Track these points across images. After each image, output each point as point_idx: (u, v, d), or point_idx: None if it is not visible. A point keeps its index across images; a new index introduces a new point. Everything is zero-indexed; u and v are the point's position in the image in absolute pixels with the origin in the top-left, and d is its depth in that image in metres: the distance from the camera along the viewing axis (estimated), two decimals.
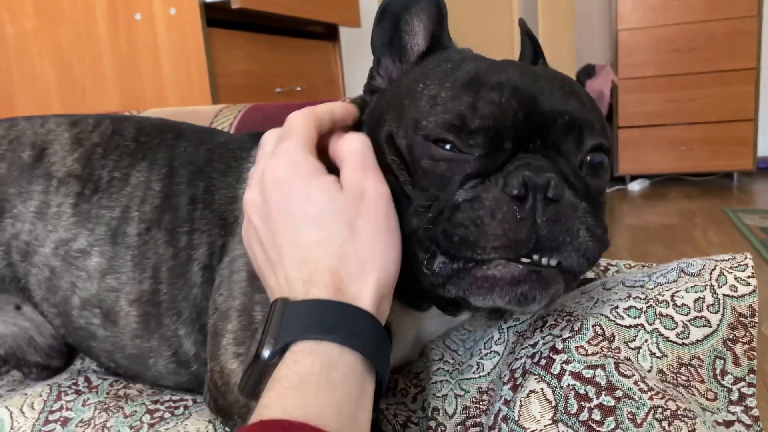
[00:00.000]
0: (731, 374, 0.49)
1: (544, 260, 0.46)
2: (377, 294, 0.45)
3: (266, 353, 0.42)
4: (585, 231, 0.47)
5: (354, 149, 0.50)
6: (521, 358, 0.53)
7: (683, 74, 4.05)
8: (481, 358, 0.59)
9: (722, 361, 0.50)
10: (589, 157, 0.51)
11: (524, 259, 0.46)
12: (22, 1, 1.72)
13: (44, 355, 0.75)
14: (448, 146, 0.48)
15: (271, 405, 0.39)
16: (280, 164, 0.48)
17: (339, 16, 2.15)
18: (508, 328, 0.61)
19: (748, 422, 0.48)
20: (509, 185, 0.45)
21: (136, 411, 0.64)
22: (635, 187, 4.19)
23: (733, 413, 0.48)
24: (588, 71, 4.37)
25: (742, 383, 0.49)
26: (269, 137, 0.54)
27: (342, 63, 2.33)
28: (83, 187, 0.71)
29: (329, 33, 2.29)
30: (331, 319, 0.43)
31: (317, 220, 0.46)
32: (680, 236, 3.03)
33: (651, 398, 0.45)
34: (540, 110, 0.49)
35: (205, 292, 0.65)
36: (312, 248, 0.46)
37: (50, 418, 0.63)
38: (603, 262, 0.80)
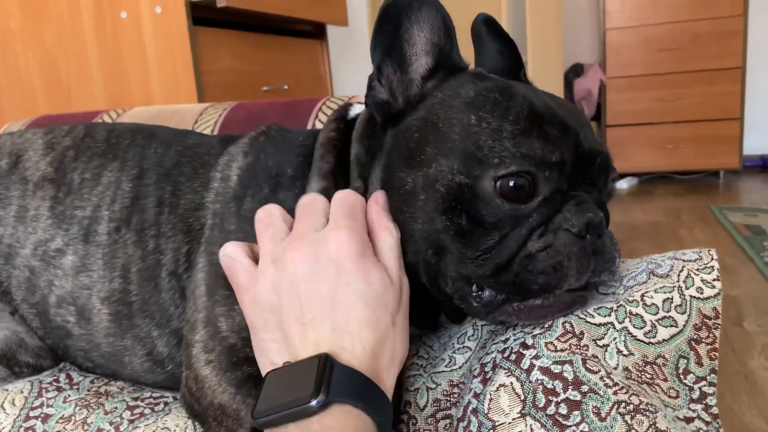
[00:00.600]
0: (693, 373, 0.51)
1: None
2: (394, 381, 0.51)
3: (315, 402, 0.43)
4: (618, 259, 0.54)
5: (392, 244, 0.53)
6: (492, 352, 0.54)
7: (670, 73, 4.09)
8: (454, 353, 0.61)
9: (685, 361, 0.51)
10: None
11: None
12: (6, 0, 1.71)
13: (35, 355, 0.76)
14: (515, 185, 0.50)
15: None
16: (351, 237, 0.50)
17: (326, 14, 2.16)
18: (482, 325, 0.62)
19: (708, 419, 0.49)
20: (576, 225, 0.50)
21: (116, 407, 0.65)
22: (623, 185, 4.22)
23: (694, 410, 0.49)
24: (577, 70, 4.40)
25: (704, 382, 0.50)
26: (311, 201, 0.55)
27: (329, 61, 2.33)
28: (57, 190, 0.73)
29: (317, 31, 2.29)
30: (371, 396, 0.47)
31: (371, 303, 0.49)
32: (667, 234, 3.06)
33: (615, 393, 0.47)
34: (583, 148, 0.52)
35: (173, 298, 0.66)
36: (361, 324, 0.48)
37: (31, 414, 0.64)
38: None
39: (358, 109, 0.68)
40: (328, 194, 0.57)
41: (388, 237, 0.53)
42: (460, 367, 0.59)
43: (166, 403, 0.67)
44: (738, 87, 3.99)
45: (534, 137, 0.50)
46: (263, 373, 0.51)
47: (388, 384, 0.49)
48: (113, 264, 0.68)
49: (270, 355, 0.50)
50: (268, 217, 0.55)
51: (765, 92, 4.33)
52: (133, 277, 0.68)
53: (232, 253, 0.54)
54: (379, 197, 0.55)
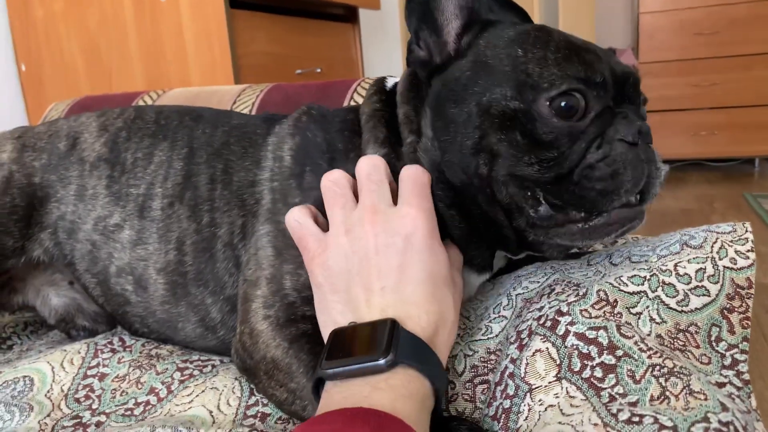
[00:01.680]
0: (725, 341, 0.52)
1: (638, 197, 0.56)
2: (447, 358, 0.54)
3: (383, 361, 0.46)
4: (663, 171, 0.57)
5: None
6: (528, 320, 0.56)
7: (706, 58, 4.01)
8: (490, 322, 0.63)
9: (718, 329, 0.52)
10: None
11: (631, 199, 0.55)
12: None
13: (91, 320, 0.83)
14: (566, 105, 0.54)
15: (384, 402, 0.45)
16: (425, 217, 0.54)
17: None
18: (516, 295, 0.64)
19: (739, 385, 0.50)
20: (628, 135, 0.54)
21: (167, 368, 0.68)
22: None
23: (725, 376, 0.51)
24: None
25: (735, 350, 0.52)
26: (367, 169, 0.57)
27: (361, 45, 2.35)
28: (112, 170, 0.77)
29: (349, 15, 2.31)
30: (431, 363, 0.49)
31: (437, 281, 0.53)
32: (698, 221, 3.00)
33: (650, 357, 0.48)
34: (616, 72, 0.57)
35: (227, 267, 0.69)
36: (426, 298, 0.52)
37: (88, 373, 0.68)
38: None
39: (392, 81, 0.71)
40: (388, 160, 0.60)
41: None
42: (497, 336, 0.61)
43: (213, 366, 0.70)
44: None
45: (576, 62, 0.55)
46: (323, 331, 0.54)
47: (443, 356, 0.52)
48: (168, 237, 0.72)
49: (333, 315, 0.53)
50: (337, 186, 0.57)
51: None
52: (188, 249, 0.71)
53: (300, 218, 0.58)
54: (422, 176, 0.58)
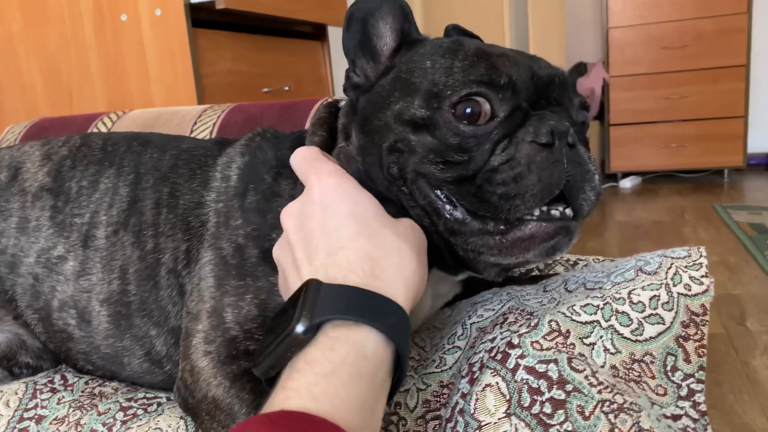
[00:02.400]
0: (681, 370, 0.51)
1: (567, 211, 0.52)
2: (410, 301, 0.47)
3: (300, 328, 0.41)
4: (597, 175, 0.54)
5: None
6: (480, 352, 0.55)
7: (674, 71, 4.07)
8: (444, 353, 0.61)
9: (673, 358, 0.51)
10: (577, 116, 0.58)
11: (553, 212, 0.52)
12: (7, 2, 1.72)
13: (35, 356, 0.78)
14: (470, 110, 0.53)
15: (301, 390, 0.39)
16: (327, 176, 0.53)
17: (327, 16, 2.16)
18: (471, 324, 0.62)
19: (696, 416, 0.49)
20: (539, 135, 0.51)
21: (109, 408, 0.65)
22: (627, 184, 4.21)
23: (681, 408, 0.49)
24: (580, 69, 4.38)
25: (692, 379, 0.50)
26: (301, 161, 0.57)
27: (331, 62, 2.34)
28: (56, 199, 0.75)
29: (318, 33, 2.30)
30: (370, 306, 0.43)
31: (362, 218, 0.49)
32: (670, 233, 3.05)
33: (600, 392, 0.47)
34: (538, 74, 0.55)
35: (171, 296, 0.67)
36: (354, 236, 0.48)
37: (25, 415, 0.65)
38: (572, 257, 0.82)
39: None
40: None
41: None
42: (450, 368, 0.60)
43: (159, 404, 0.67)
44: (742, 85, 3.97)
45: (481, 67, 0.54)
46: None
47: (400, 294, 0.46)
48: (112, 266, 0.70)
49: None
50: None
51: None
52: (131, 277, 0.69)
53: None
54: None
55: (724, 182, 4.14)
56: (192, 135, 1.26)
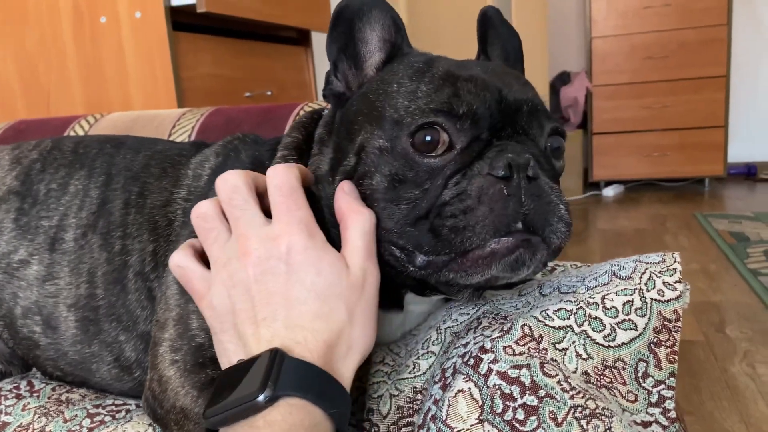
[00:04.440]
0: (652, 377, 0.50)
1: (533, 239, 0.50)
2: (353, 374, 0.50)
3: (262, 397, 0.43)
4: (563, 206, 0.51)
5: (365, 230, 0.52)
6: (453, 357, 0.54)
7: (656, 81, 4.12)
8: (418, 358, 0.60)
9: (645, 364, 0.51)
10: (549, 142, 0.56)
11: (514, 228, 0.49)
12: None
13: (5, 361, 0.76)
14: (429, 139, 0.51)
15: None
16: (297, 233, 0.50)
17: (311, 21, 2.15)
18: (446, 329, 0.61)
19: (665, 423, 0.49)
20: (495, 168, 0.49)
21: (76, 415, 0.64)
22: (609, 192, 4.24)
23: (652, 414, 0.49)
24: (563, 78, 4.42)
25: (662, 386, 0.50)
26: (231, 184, 0.53)
27: (314, 67, 2.33)
28: (22, 202, 0.73)
29: (301, 38, 2.29)
30: (325, 389, 0.46)
31: (323, 294, 0.49)
32: (651, 240, 3.08)
33: (572, 397, 0.46)
34: (507, 100, 0.53)
35: (139, 299, 0.66)
36: (313, 317, 0.48)
37: None
38: (551, 263, 0.82)
39: None
40: (287, 161, 0.59)
41: (362, 222, 0.52)
42: (424, 373, 0.59)
43: (128, 411, 0.66)
44: (722, 95, 4.03)
45: (444, 93, 0.51)
46: None
47: (345, 375, 0.49)
48: (79, 270, 0.68)
49: (229, 356, 0.50)
50: (205, 220, 0.53)
51: (749, 100, 4.38)
52: (99, 280, 0.67)
53: (181, 262, 0.53)
54: (345, 186, 0.54)
55: (704, 191, 4.19)
56: (170, 138, 1.25)
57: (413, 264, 0.52)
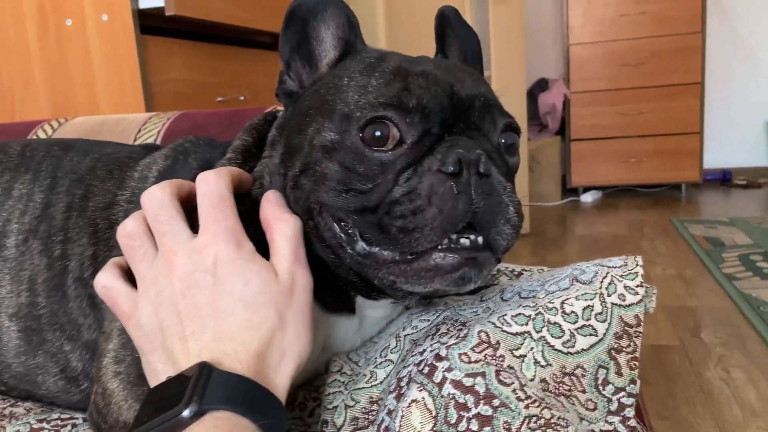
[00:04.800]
0: (612, 384, 0.49)
1: (479, 239, 0.49)
2: (290, 381, 0.49)
3: (187, 412, 0.41)
4: (512, 207, 0.50)
5: (289, 235, 0.52)
6: (409, 365, 0.52)
7: (633, 88, 4.16)
8: (375, 367, 0.58)
9: (605, 371, 0.49)
10: (503, 139, 0.55)
11: (462, 241, 0.48)
12: None
13: None
14: (379, 134, 0.50)
15: None
16: (224, 243, 0.49)
17: None
18: (405, 336, 0.59)
19: None
20: (445, 163, 0.48)
21: (18, 430, 0.61)
22: (588, 198, 4.26)
23: (611, 423, 0.47)
24: (542, 85, 4.45)
25: (623, 393, 0.48)
26: (159, 195, 0.52)
27: None
28: None
29: (276, 42, 2.27)
30: (254, 399, 0.45)
31: (252, 303, 0.48)
32: (629, 246, 3.09)
33: (527, 407, 0.44)
34: (458, 95, 0.52)
35: (81, 307, 0.63)
36: (242, 327, 0.47)
37: None
38: (518, 267, 0.80)
39: None
40: (230, 164, 0.59)
41: (285, 228, 0.52)
42: (381, 383, 0.57)
43: (74, 425, 0.63)
44: (697, 102, 4.07)
45: (394, 87, 0.51)
46: None
47: (280, 384, 0.48)
48: (20, 277, 0.65)
49: (158, 375, 0.48)
50: (132, 239, 0.52)
51: (723, 107, 4.43)
52: (40, 288, 0.64)
53: (107, 283, 0.52)
54: (269, 195, 0.55)
55: (681, 197, 4.22)
56: (136, 143, 1.22)
57: (353, 248, 0.51)
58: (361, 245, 0.51)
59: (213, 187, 0.52)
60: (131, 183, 0.66)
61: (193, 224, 0.52)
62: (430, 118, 0.51)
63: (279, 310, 0.49)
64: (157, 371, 0.48)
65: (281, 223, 0.52)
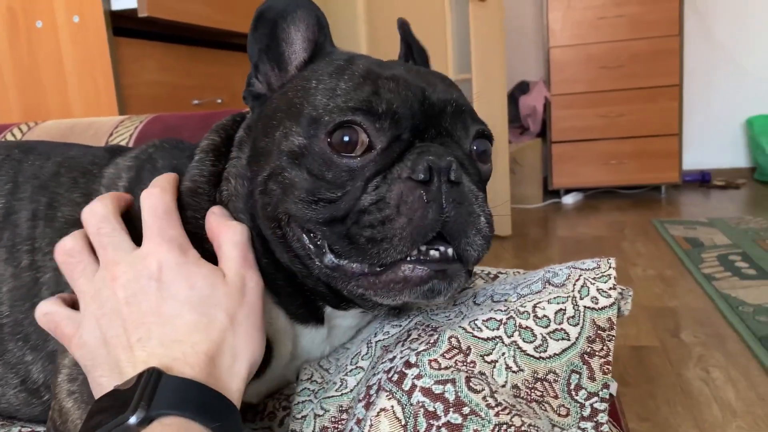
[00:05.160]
0: (585, 389, 0.48)
1: (449, 251, 0.48)
2: (244, 383, 0.48)
3: (134, 419, 0.40)
4: (483, 218, 0.49)
5: (236, 240, 0.52)
6: (379, 373, 0.51)
7: (612, 90, 4.19)
8: (346, 375, 0.56)
9: (578, 376, 0.48)
10: (475, 146, 0.54)
11: (432, 252, 0.47)
12: None
13: None
14: (347, 139, 0.49)
15: None
16: (167, 250, 0.49)
17: None
18: (377, 342, 0.58)
19: None
20: (415, 171, 0.47)
21: None
22: (569, 200, 4.28)
23: (584, 429, 0.46)
24: (523, 88, 4.46)
25: (595, 398, 0.48)
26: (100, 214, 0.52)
27: None
28: None
29: None
30: (205, 403, 0.44)
31: (198, 307, 0.47)
32: (609, 247, 3.10)
33: (497, 414, 0.43)
34: (430, 100, 0.51)
35: None
36: (190, 330, 0.46)
37: None
38: (494, 270, 0.79)
39: None
40: (202, 165, 0.58)
41: (232, 234, 0.52)
42: (351, 391, 0.55)
43: None
44: (676, 104, 4.11)
45: (364, 91, 0.50)
46: None
47: (233, 386, 0.47)
48: None
49: (104, 390, 0.46)
50: (70, 255, 0.52)
51: (701, 109, 4.48)
52: (4, 297, 0.62)
53: (48, 310, 0.52)
54: (215, 209, 0.55)
55: (661, 198, 4.26)
56: None
57: (321, 261, 0.50)
58: (329, 257, 0.50)
59: (158, 201, 0.52)
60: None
61: (136, 238, 0.52)
62: (401, 123, 0.49)
63: (228, 312, 0.48)
64: (102, 386, 0.47)
65: (228, 230, 0.52)
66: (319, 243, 0.50)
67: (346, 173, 0.49)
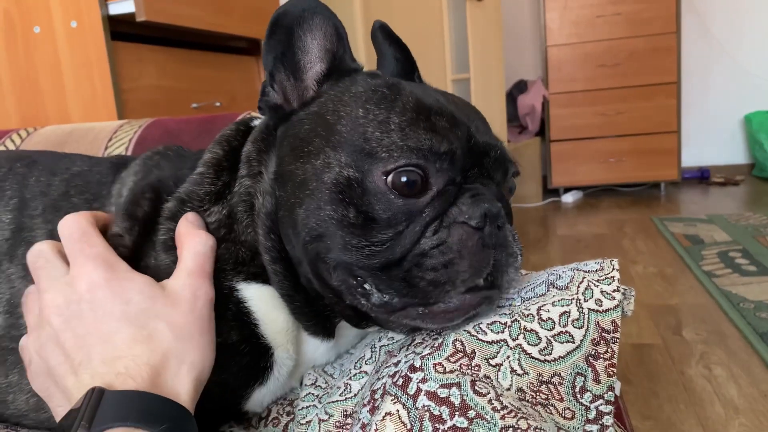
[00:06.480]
0: (590, 392, 0.48)
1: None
2: (195, 384, 0.48)
3: None
4: (520, 256, 0.52)
5: (198, 250, 0.52)
6: (383, 377, 0.51)
7: (610, 89, 4.19)
8: (350, 379, 0.56)
9: (582, 378, 0.48)
10: (509, 186, 0.57)
11: (479, 282, 0.49)
12: None
13: None
14: (407, 179, 0.48)
15: None
16: (93, 268, 0.50)
17: (258, 30, 2.11)
18: (381, 347, 0.58)
19: None
20: (473, 217, 0.48)
21: None
22: (569, 198, 4.28)
23: None
24: (521, 86, 4.47)
25: (600, 401, 0.47)
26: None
27: None
28: None
29: (252, 48, 2.25)
30: (149, 409, 0.44)
31: (137, 320, 0.48)
32: (610, 245, 3.10)
33: (503, 417, 0.43)
34: (475, 140, 0.51)
35: None
36: (129, 344, 0.47)
37: None
38: None
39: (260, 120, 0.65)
40: (202, 180, 0.58)
41: (196, 244, 0.53)
42: (355, 395, 0.55)
43: None
44: (674, 101, 4.11)
45: (421, 128, 0.49)
46: None
47: (181, 389, 0.47)
48: None
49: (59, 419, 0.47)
50: (25, 296, 0.54)
51: (700, 106, 4.48)
52: (21, 311, 0.62)
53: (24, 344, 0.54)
54: (189, 216, 0.55)
55: (661, 195, 4.26)
56: (107, 152, 1.19)
57: (368, 300, 0.50)
58: (377, 296, 0.50)
59: (72, 225, 0.53)
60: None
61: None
62: (456, 164, 0.49)
63: (170, 322, 0.48)
64: (59, 415, 0.48)
65: (194, 239, 0.53)
66: (366, 286, 0.50)
67: (404, 215, 0.48)
